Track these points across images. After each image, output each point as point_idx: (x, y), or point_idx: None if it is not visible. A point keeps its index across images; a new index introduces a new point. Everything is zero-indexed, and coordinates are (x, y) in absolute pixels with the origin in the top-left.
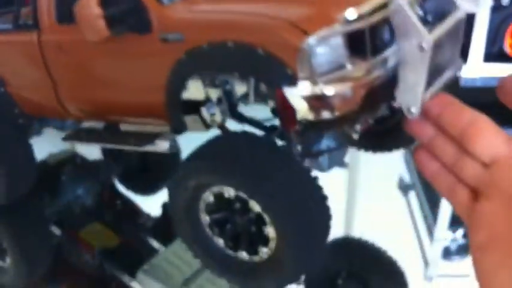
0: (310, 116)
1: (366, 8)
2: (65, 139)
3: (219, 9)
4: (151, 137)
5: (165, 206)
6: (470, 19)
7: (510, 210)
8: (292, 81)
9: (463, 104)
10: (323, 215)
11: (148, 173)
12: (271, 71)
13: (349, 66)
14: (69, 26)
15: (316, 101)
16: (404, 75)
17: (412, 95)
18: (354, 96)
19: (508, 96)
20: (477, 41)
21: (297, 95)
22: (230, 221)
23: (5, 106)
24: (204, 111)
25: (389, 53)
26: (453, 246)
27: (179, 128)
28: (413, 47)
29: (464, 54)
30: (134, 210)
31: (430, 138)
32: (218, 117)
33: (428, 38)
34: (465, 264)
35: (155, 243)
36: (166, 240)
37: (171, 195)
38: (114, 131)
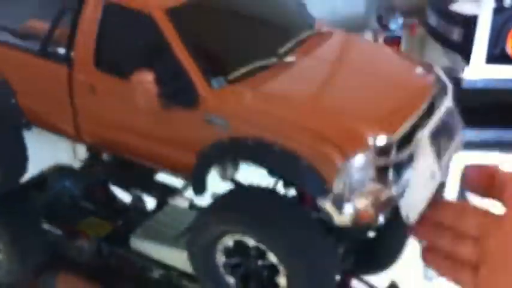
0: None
1: (396, 136)
2: (85, 171)
3: (269, 110)
4: (172, 192)
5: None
6: (472, 21)
7: (506, 274)
8: (327, 193)
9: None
10: (333, 271)
11: None
12: (311, 181)
13: (374, 187)
14: (108, 75)
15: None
16: (412, 194)
17: (415, 208)
18: (375, 211)
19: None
20: (479, 43)
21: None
22: (244, 265)
23: (12, 116)
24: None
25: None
26: None
27: (200, 190)
28: (427, 175)
29: (466, 56)
30: (125, 208)
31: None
32: (230, 173)
33: (440, 170)
34: None
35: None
36: None
37: (193, 233)
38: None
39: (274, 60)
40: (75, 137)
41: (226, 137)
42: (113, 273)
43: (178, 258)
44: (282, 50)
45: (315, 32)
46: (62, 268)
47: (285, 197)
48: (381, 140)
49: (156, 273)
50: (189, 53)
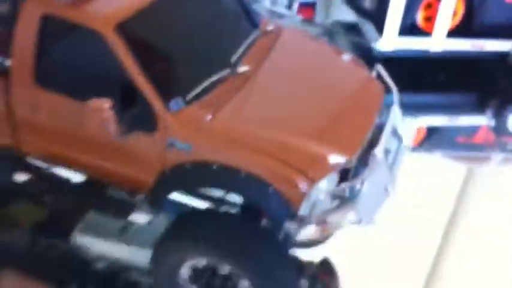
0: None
1: (354, 156)
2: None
3: (235, 135)
4: (130, 208)
5: None
6: None
7: None
8: (293, 217)
9: None
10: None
11: None
12: (277, 206)
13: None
14: (50, 93)
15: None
16: (365, 205)
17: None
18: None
19: None
20: (393, 15)
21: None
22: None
23: None
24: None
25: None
26: None
27: (157, 208)
28: (380, 189)
29: (379, 26)
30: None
31: None
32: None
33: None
34: None
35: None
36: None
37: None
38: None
39: (228, 71)
40: (14, 148)
41: (189, 161)
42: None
43: (124, 251)
44: (233, 58)
45: (261, 33)
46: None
47: (241, 218)
48: (342, 163)
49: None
50: (143, 73)
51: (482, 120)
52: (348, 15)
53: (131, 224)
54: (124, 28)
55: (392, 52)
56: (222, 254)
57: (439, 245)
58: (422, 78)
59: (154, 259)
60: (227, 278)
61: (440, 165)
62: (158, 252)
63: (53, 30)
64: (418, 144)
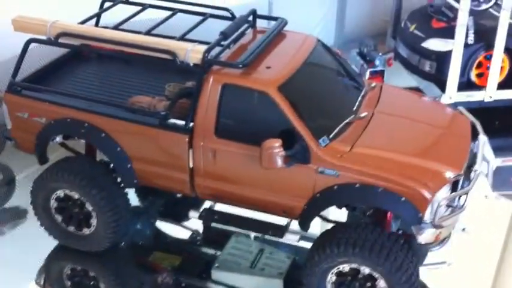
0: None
1: (462, 171)
2: (200, 218)
3: (369, 160)
4: (283, 230)
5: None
6: (444, 55)
7: None
8: (420, 221)
9: None
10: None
11: None
12: (408, 213)
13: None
14: (228, 141)
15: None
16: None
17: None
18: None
19: None
20: (453, 74)
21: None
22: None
23: (127, 179)
24: None
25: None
26: None
27: (306, 227)
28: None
29: (440, 85)
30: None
31: None
32: None
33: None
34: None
35: (210, 250)
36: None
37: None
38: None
39: (353, 116)
40: (189, 192)
41: (336, 184)
42: None
43: (259, 284)
44: (355, 107)
45: (368, 88)
46: None
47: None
48: (453, 176)
49: None
50: (302, 120)
51: None
52: (410, 81)
53: (259, 257)
54: (284, 88)
55: (454, 104)
56: (367, 257)
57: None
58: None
59: (306, 270)
60: (367, 279)
61: (495, 203)
62: (312, 258)
63: (230, 94)
64: None
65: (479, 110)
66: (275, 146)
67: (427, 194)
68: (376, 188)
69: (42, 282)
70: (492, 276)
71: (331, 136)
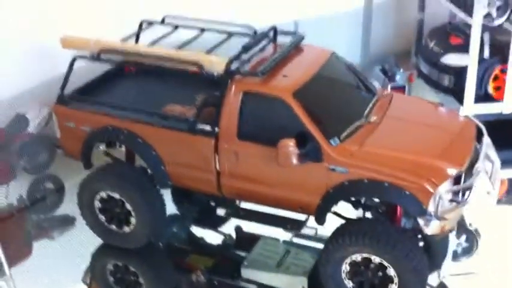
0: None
1: (463, 168)
2: (227, 215)
3: (376, 158)
4: (301, 224)
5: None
6: (462, 70)
7: None
8: (425, 213)
9: None
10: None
11: None
12: (413, 206)
13: (451, 206)
14: (249, 143)
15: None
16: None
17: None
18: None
19: None
20: (469, 87)
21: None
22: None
23: (161, 180)
24: None
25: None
26: (459, 250)
27: (322, 221)
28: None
29: (459, 98)
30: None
31: None
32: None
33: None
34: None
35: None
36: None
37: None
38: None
39: (363, 120)
40: (215, 192)
41: (346, 180)
42: None
43: (285, 281)
44: (366, 112)
45: (380, 96)
46: None
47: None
48: (455, 172)
49: None
50: (314, 123)
51: None
52: (433, 97)
53: (285, 257)
54: (298, 94)
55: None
56: (375, 246)
57: None
58: (499, 137)
59: (322, 259)
60: (378, 268)
61: None
62: (327, 248)
63: (250, 100)
64: (501, 197)
65: (498, 122)
66: (290, 144)
67: (429, 188)
68: (382, 182)
69: (88, 281)
70: None
71: (341, 137)
